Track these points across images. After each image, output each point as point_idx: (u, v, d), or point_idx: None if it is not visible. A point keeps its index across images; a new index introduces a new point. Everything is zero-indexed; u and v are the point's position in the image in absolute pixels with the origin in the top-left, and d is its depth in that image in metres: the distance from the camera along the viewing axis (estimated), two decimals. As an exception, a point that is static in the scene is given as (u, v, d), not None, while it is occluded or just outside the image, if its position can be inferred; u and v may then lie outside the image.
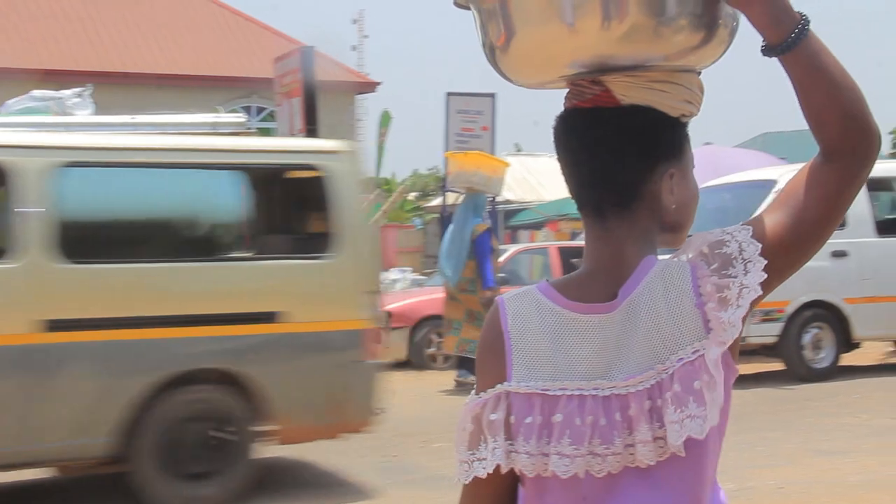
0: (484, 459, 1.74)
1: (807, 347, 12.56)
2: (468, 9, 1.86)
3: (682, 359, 1.69)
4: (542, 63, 1.81)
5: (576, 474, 1.70)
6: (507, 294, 1.84)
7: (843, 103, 1.71)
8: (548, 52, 1.78)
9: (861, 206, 12.55)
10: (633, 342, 1.71)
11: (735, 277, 1.70)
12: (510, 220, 26.26)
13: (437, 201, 27.03)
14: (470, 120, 22.13)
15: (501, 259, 15.10)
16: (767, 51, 1.72)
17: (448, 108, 22.46)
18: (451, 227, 13.14)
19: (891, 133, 36.54)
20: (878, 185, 13.29)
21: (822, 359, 12.62)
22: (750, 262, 1.71)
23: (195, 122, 11.30)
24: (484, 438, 1.74)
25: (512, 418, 1.73)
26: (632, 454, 1.70)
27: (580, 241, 19.19)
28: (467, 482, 1.78)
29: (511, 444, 1.72)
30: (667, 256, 1.78)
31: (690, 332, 1.70)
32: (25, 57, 22.91)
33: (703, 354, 1.69)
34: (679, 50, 1.76)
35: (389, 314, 13.72)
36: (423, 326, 15.22)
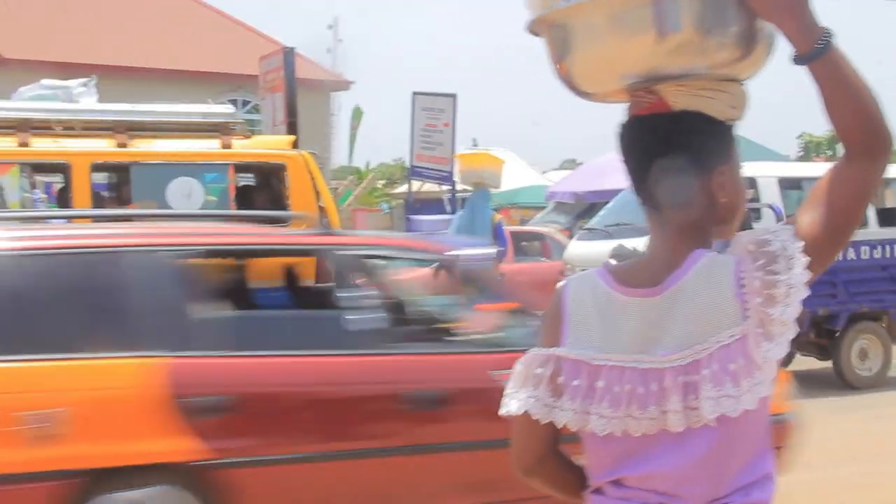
0: (518, 400, 1.84)
1: None
2: (538, 35, 1.91)
3: (719, 341, 1.74)
4: (604, 75, 1.88)
5: (611, 432, 1.78)
6: (572, 276, 1.93)
7: (861, 109, 1.76)
8: (608, 66, 1.85)
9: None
10: (674, 324, 1.77)
11: (779, 274, 1.73)
12: (466, 206, 26.28)
13: (402, 188, 26.97)
14: (433, 117, 22.08)
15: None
16: (796, 60, 1.78)
17: (414, 106, 22.41)
18: (460, 216, 13.90)
19: (798, 137, 36.68)
20: (789, 184, 13.21)
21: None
22: (793, 258, 1.74)
23: (190, 112, 11.26)
24: (524, 384, 1.85)
25: (561, 378, 1.82)
26: (663, 419, 1.77)
27: (529, 227, 19.20)
28: (502, 412, 1.88)
29: (556, 401, 1.82)
30: (715, 251, 1.80)
31: (729, 318, 1.74)
32: (35, 49, 22.65)
33: (739, 339, 1.73)
34: (723, 62, 1.81)
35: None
36: (389, 299, 15.17)
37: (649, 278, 1.81)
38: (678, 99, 1.83)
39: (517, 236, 16.92)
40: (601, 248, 13.69)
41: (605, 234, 13.86)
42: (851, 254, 10.69)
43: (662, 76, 1.83)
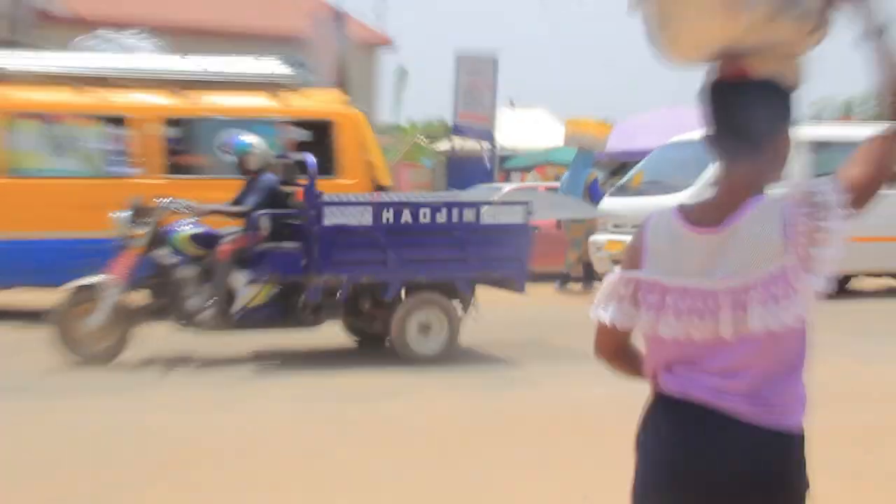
0: (605, 312, 2.25)
1: None
2: (636, 11, 2.23)
3: (767, 271, 2.05)
4: (690, 48, 2.17)
5: (676, 337, 2.13)
6: (653, 212, 2.23)
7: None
8: (695, 40, 2.14)
9: (801, 165, 12.64)
10: (729, 255, 2.08)
11: (821, 221, 2.03)
12: (505, 163, 26.39)
13: (444, 145, 27.15)
14: (476, 76, 22.16)
15: (498, 197, 15.65)
16: (863, 39, 2.08)
17: (457, 67, 22.52)
18: (566, 175, 14.80)
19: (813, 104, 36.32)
20: (820, 147, 13.12)
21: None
22: (832, 209, 2.04)
23: (248, 68, 11.43)
24: (609, 299, 2.24)
25: (639, 295, 2.18)
26: (717, 329, 2.10)
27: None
28: (595, 317, 2.28)
29: (636, 312, 2.19)
30: (771, 196, 2.11)
31: (774, 252, 2.05)
32: (95, 6, 22.93)
33: (781, 268, 2.04)
34: (789, 40, 2.09)
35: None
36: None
37: (713, 218, 2.11)
38: (759, 68, 2.11)
39: (552, 192, 17.02)
40: (631, 203, 13.85)
41: (636, 190, 13.98)
42: (407, 216, 8.57)
43: (738, 51, 2.10)
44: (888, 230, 12.35)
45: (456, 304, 8.85)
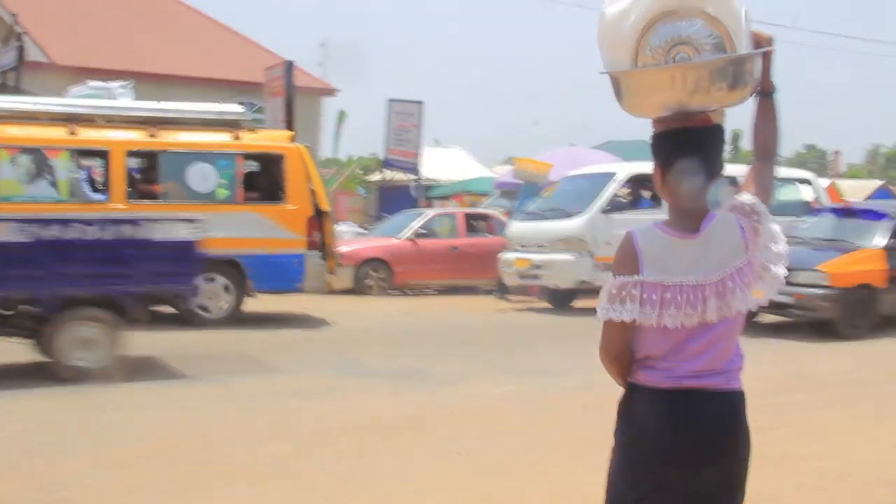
0: (620, 311, 2.28)
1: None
2: (605, 74, 2.40)
3: (736, 265, 2.29)
4: (647, 109, 2.40)
5: (675, 325, 2.26)
6: (636, 228, 2.35)
7: (777, 130, 2.46)
8: (650, 105, 2.38)
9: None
10: (709, 256, 2.30)
11: (764, 224, 2.32)
12: (429, 192, 26.32)
13: (376, 177, 26.95)
14: (404, 119, 22.09)
15: (423, 221, 15.72)
16: (761, 94, 2.42)
17: (389, 110, 22.41)
18: (517, 203, 15.42)
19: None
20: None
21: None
22: (768, 214, 2.34)
23: (206, 111, 11.22)
24: (622, 300, 2.29)
25: (644, 295, 2.28)
26: (704, 315, 2.27)
27: (478, 210, 19.23)
28: (604, 321, 2.32)
29: (641, 308, 2.27)
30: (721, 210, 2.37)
31: (739, 250, 2.31)
32: (81, 57, 22.37)
33: (747, 263, 2.29)
34: (726, 102, 2.37)
35: (341, 255, 13.81)
36: (365, 265, 15.25)
37: (692, 228, 2.31)
38: (716, 118, 2.38)
39: (469, 217, 16.95)
40: (533, 227, 13.84)
41: (540, 216, 13.94)
42: (63, 233, 7.27)
43: (686, 110, 2.34)
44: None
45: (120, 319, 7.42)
